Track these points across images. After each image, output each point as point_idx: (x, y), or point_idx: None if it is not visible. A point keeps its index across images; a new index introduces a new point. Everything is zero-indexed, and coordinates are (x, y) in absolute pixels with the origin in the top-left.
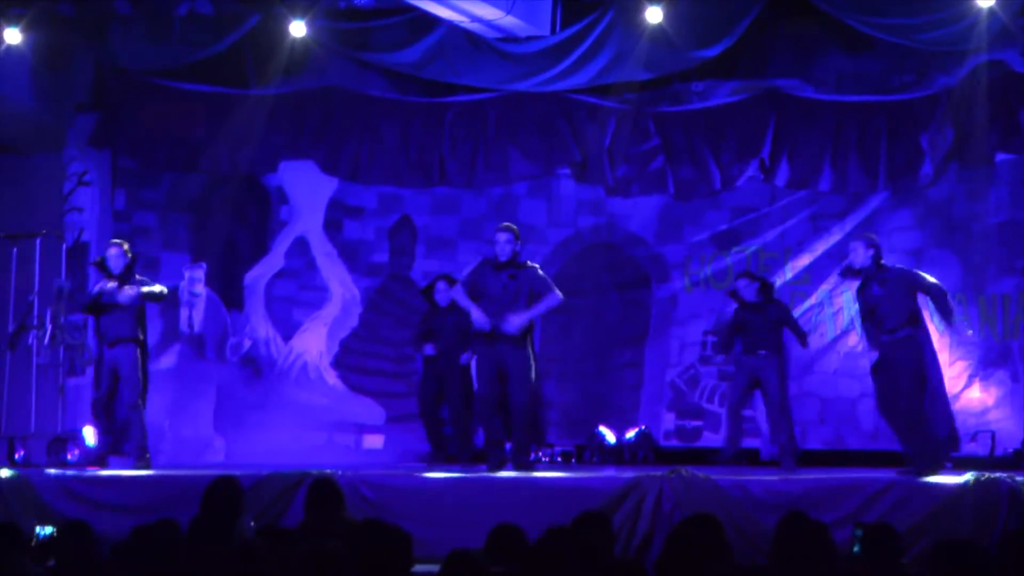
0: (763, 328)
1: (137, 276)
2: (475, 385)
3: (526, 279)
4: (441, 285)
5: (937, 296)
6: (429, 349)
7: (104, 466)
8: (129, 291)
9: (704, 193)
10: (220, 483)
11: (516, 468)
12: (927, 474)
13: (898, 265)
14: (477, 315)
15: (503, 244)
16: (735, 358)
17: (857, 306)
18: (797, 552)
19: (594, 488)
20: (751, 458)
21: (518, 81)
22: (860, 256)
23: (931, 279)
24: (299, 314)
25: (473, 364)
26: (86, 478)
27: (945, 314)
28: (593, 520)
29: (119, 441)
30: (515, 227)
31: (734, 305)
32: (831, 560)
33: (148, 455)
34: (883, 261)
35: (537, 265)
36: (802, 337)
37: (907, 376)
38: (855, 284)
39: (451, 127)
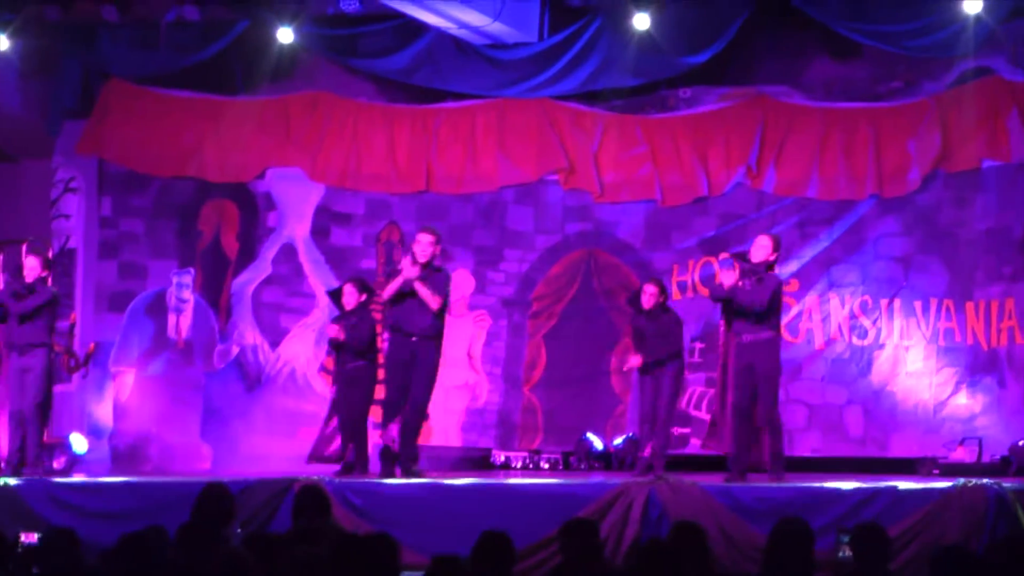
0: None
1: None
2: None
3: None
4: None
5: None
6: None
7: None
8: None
9: (691, 199)
10: (211, 490)
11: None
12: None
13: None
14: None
15: (424, 245)
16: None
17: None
18: (790, 558)
19: (582, 495)
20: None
21: (506, 87)
22: (763, 253)
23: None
24: (286, 321)
25: None
26: (72, 485)
27: None
28: (580, 527)
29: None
30: (437, 230)
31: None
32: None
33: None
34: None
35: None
36: None
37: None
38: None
39: (439, 133)
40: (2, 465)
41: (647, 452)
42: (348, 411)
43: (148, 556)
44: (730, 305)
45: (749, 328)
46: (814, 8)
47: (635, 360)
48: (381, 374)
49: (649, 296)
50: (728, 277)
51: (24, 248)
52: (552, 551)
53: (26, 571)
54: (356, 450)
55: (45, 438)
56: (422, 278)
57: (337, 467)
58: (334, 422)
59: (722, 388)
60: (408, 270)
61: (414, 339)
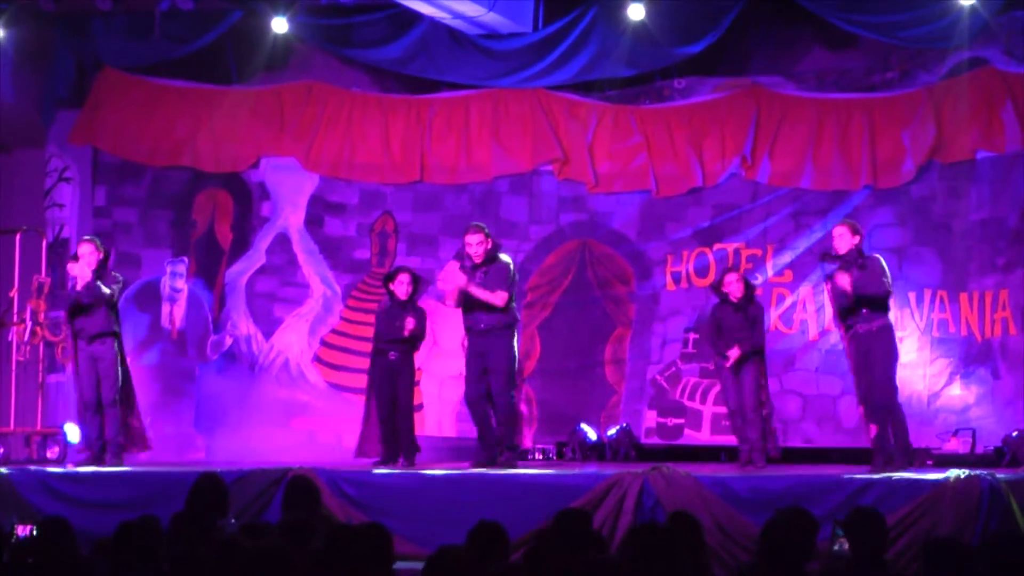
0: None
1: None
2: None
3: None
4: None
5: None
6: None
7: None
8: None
9: (686, 190)
10: (205, 480)
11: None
12: (901, 469)
13: (874, 254)
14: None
15: (474, 246)
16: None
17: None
18: (787, 547)
19: (575, 485)
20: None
21: (500, 78)
22: (845, 242)
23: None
24: (280, 311)
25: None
26: (66, 475)
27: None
28: (573, 517)
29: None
30: (483, 226)
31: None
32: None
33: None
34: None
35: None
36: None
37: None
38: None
39: (433, 123)
40: (87, 454)
41: (745, 446)
42: (396, 400)
43: (142, 546)
44: (857, 302)
45: (861, 319)
46: None
47: (735, 352)
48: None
49: (735, 286)
50: (844, 279)
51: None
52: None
53: (21, 562)
54: (406, 440)
55: (40, 428)
56: (477, 280)
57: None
58: (375, 416)
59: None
60: (450, 279)
61: (483, 337)
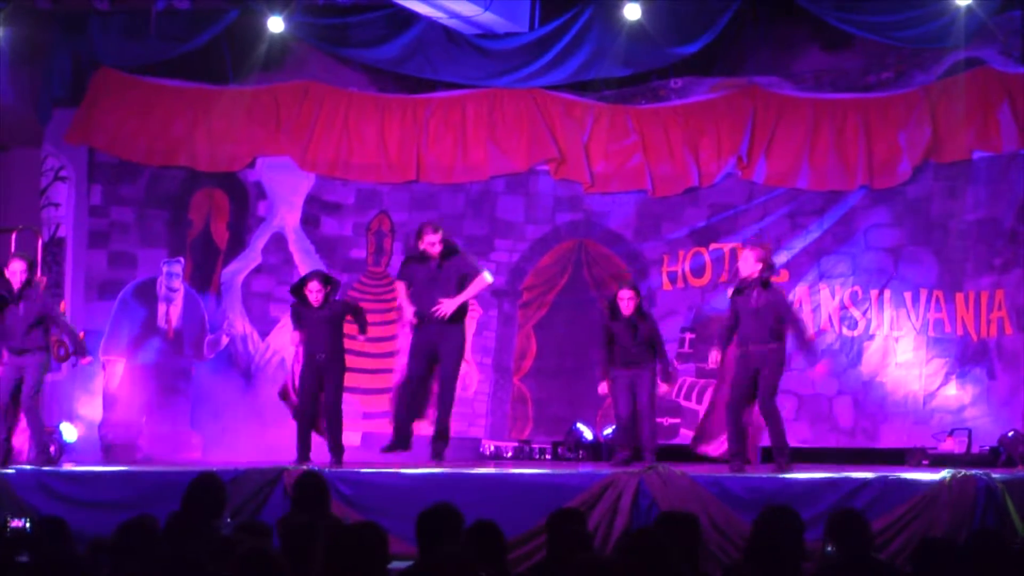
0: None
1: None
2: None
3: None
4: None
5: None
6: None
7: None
8: None
9: (682, 190)
10: (203, 480)
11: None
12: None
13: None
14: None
15: (435, 243)
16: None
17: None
18: (774, 547)
19: (572, 485)
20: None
21: (496, 77)
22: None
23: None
24: (276, 310)
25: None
26: (62, 475)
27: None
28: (567, 517)
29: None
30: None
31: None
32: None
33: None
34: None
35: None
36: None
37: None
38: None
39: (429, 123)
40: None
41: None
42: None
43: (139, 545)
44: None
45: (755, 341)
46: None
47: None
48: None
49: (627, 302)
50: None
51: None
52: (542, 541)
53: (13, 555)
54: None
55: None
56: (441, 280)
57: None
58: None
59: None
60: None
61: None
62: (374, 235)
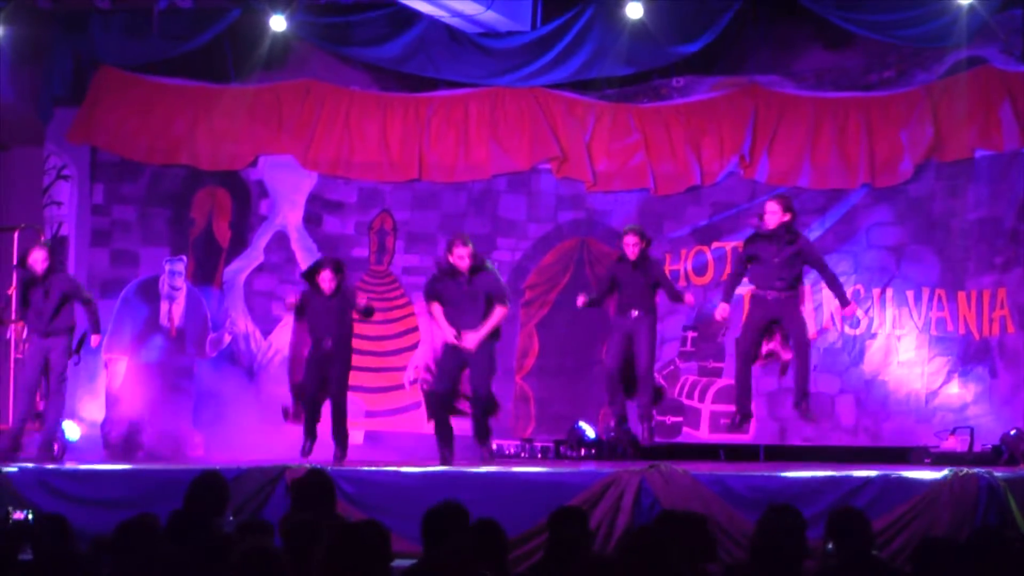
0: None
1: None
2: None
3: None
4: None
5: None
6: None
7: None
8: None
9: (684, 188)
10: (205, 478)
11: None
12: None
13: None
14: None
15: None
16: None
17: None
18: (774, 543)
19: (574, 483)
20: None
21: (498, 76)
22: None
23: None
24: (279, 309)
25: None
26: (65, 473)
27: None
28: (568, 515)
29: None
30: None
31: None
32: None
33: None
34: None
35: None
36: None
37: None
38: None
39: (431, 122)
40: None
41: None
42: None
43: (141, 544)
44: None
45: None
46: None
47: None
48: None
49: (632, 247)
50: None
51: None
52: (543, 540)
53: (16, 546)
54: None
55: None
56: (463, 288)
57: None
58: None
59: None
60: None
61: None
62: (376, 234)
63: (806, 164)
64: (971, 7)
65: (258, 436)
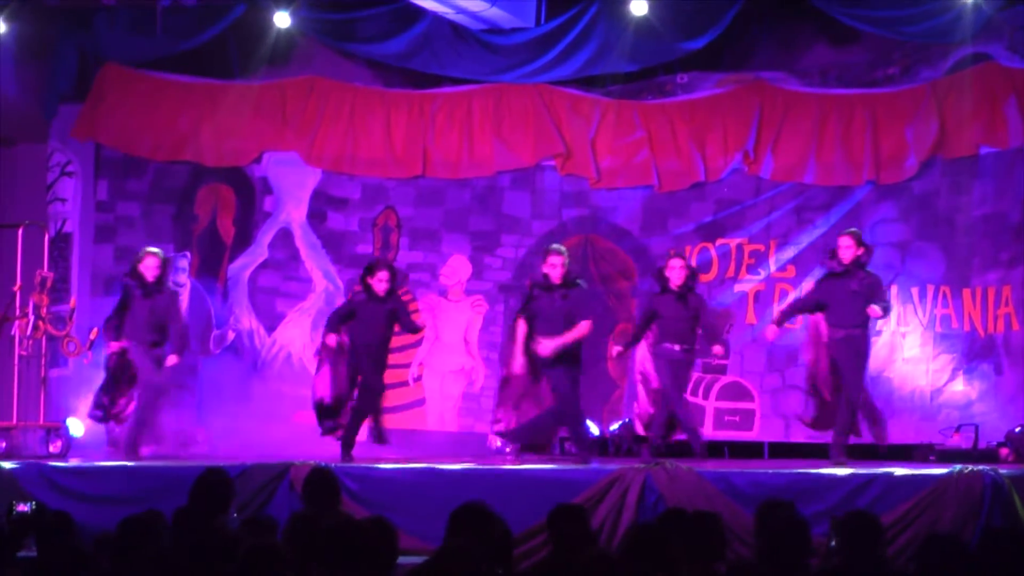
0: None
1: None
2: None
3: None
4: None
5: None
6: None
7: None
8: None
9: (689, 185)
10: (209, 475)
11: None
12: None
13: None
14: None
15: (558, 267)
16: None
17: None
18: (780, 542)
19: (578, 480)
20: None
21: (503, 73)
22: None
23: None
24: (283, 305)
25: None
26: (68, 469)
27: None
28: (569, 513)
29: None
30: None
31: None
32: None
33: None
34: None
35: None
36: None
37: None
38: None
39: (435, 118)
40: None
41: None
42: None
43: (146, 540)
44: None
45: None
46: None
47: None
48: None
49: (679, 270)
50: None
51: None
52: (546, 537)
53: (18, 539)
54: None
55: (43, 422)
56: (557, 303)
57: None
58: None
59: None
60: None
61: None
62: (380, 230)
63: (811, 161)
64: (976, 4)
65: (262, 433)
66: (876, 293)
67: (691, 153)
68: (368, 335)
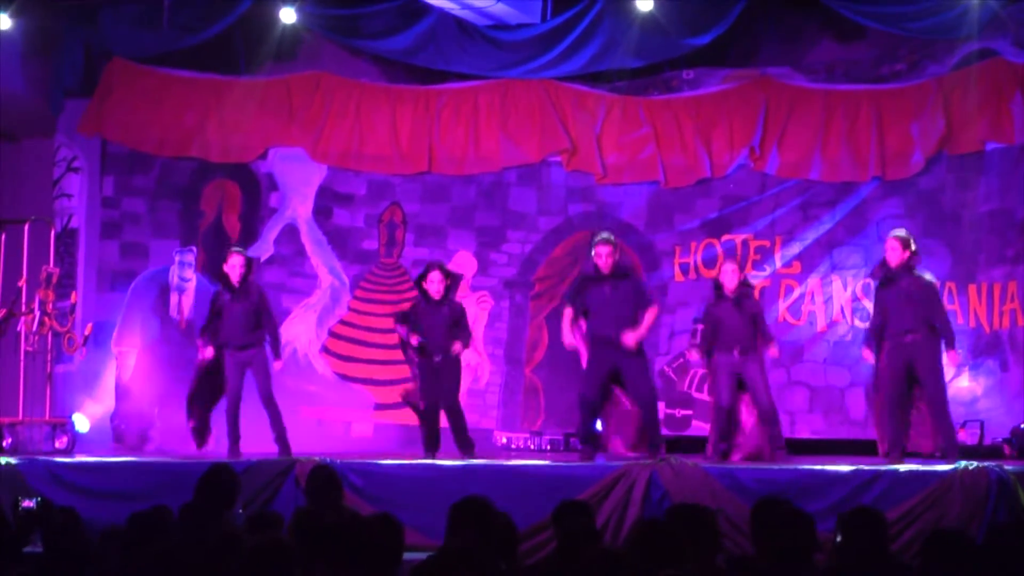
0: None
1: None
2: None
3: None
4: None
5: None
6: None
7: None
8: None
9: (694, 181)
10: (215, 470)
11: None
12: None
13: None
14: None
15: (605, 257)
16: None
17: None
18: (778, 538)
19: (583, 476)
20: None
21: (508, 69)
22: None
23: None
24: (288, 301)
25: None
26: (74, 465)
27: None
28: (574, 509)
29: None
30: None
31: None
32: (813, 547)
33: None
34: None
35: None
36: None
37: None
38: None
39: (441, 114)
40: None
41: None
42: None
43: (152, 536)
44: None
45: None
46: None
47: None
48: None
49: (731, 274)
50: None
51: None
52: (551, 533)
53: (24, 534)
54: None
55: (49, 418)
56: (607, 293)
57: None
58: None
59: None
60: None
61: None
62: (386, 226)
63: (816, 157)
64: None
65: (267, 428)
66: (933, 303)
67: (697, 149)
68: (432, 340)
